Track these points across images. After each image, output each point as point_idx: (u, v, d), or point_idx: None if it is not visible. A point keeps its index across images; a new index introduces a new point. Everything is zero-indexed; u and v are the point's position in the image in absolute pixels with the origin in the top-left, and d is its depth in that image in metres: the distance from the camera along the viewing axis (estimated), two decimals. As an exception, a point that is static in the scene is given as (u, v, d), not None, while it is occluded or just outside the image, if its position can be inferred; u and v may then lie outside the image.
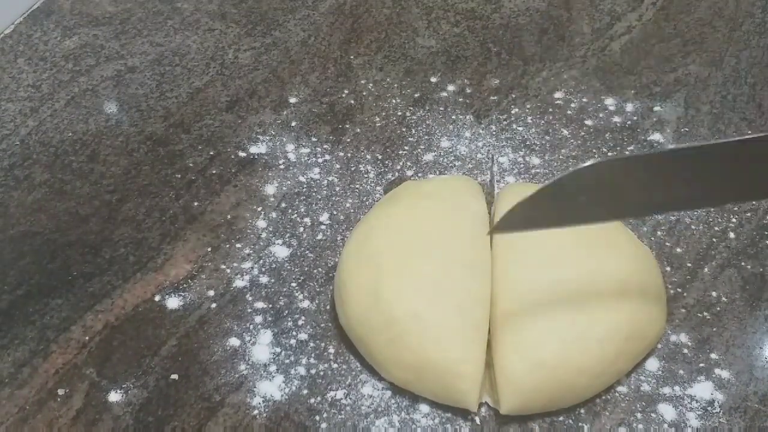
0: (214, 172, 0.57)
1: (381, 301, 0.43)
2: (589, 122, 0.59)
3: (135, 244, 0.53)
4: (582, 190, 0.38)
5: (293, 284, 0.50)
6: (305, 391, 0.45)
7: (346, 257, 0.47)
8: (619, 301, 0.43)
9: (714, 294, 0.48)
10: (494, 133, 0.59)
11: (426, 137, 0.59)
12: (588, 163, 0.37)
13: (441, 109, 0.61)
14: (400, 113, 0.60)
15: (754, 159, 0.37)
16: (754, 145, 0.37)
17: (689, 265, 0.50)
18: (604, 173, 0.37)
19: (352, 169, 0.57)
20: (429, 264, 0.44)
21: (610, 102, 0.60)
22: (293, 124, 0.60)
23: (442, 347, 0.42)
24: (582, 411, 0.43)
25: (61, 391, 0.45)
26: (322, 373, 0.46)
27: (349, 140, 0.59)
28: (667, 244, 0.51)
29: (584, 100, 0.61)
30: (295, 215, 0.54)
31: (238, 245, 0.52)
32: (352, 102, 0.62)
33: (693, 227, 0.52)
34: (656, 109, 0.60)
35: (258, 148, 0.58)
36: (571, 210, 0.38)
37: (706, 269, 0.50)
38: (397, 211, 0.48)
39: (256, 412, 0.44)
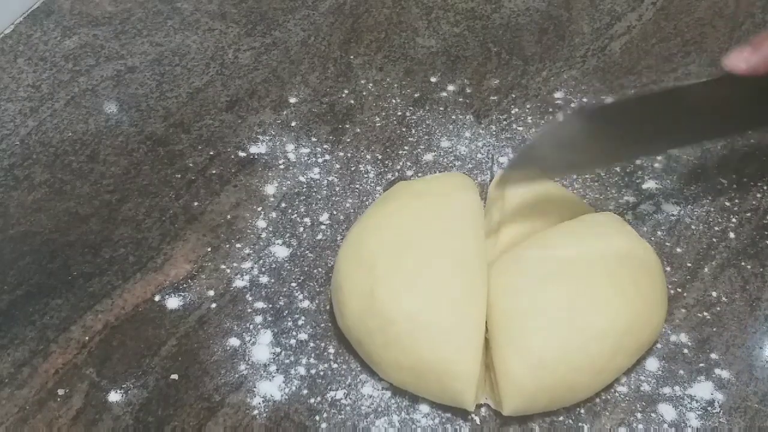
0: (214, 172, 0.57)
1: (376, 303, 0.43)
2: (589, 122, 0.59)
3: (135, 244, 0.53)
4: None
5: (293, 284, 0.50)
6: (305, 391, 0.45)
7: (341, 260, 0.47)
8: (616, 295, 0.43)
9: (714, 294, 0.48)
10: (494, 133, 0.59)
11: (426, 137, 0.58)
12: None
13: (441, 109, 0.61)
14: (400, 113, 0.60)
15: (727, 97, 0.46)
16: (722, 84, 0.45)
17: (689, 265, 0.50)
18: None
19: (352, 169, 0.57)
20: (423, 264, 0.44)
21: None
22: (293, 124, 0.60)
23: (437, 347, 0.41)
24: (582, 411, 0.43)
25: (61, 391, 0.45)
26: (322, 373, 0.46)
27: (349, 140, 0.59)
28: (667, 244, 0.51)
29: (584, 100, 0.61)
30: (295, 215, 0.54)
31: (238, 245, 0.52)
32: (352, 102, 0.62)
33: (693, 227, 0.52)
34: (656, 109, 0.60)
35: (258, 148, 0.58)
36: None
37: (706, 269, 0.50)
38: (389, 212, 0.47)
39: (256, 412, 0.44)
